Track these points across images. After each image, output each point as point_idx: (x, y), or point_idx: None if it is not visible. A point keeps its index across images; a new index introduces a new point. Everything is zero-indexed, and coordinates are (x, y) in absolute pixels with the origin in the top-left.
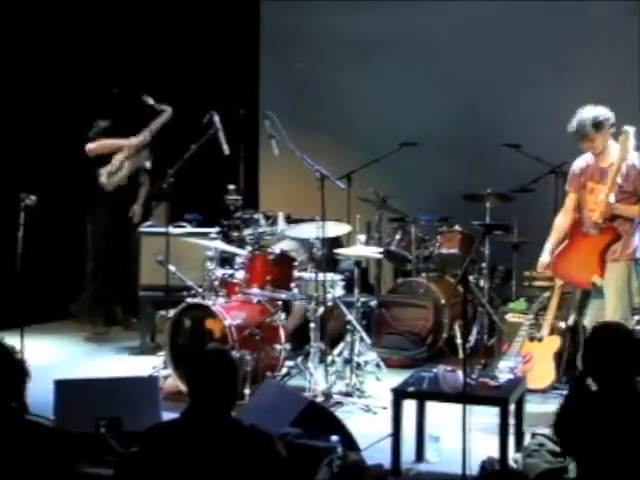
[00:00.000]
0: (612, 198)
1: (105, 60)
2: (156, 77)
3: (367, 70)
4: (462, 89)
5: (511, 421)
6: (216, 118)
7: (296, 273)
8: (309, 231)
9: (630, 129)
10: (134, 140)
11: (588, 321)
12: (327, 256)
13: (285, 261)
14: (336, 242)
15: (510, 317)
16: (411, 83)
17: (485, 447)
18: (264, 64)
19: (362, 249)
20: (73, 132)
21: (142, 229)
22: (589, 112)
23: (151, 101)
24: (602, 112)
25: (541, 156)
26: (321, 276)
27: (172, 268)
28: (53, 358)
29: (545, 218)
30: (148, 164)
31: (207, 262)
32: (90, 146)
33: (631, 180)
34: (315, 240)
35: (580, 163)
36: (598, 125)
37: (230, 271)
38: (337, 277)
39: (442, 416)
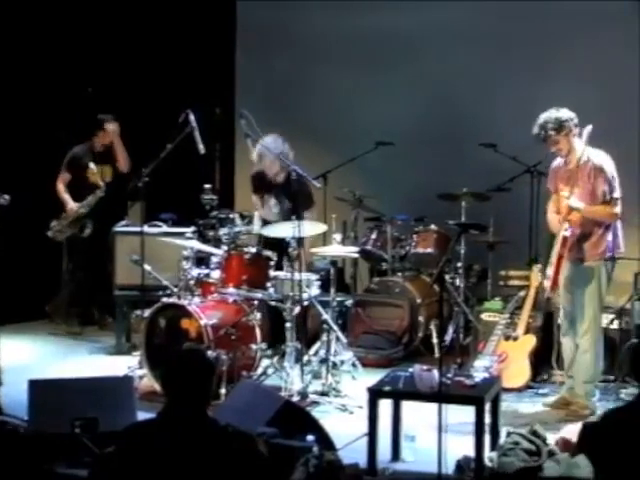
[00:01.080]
0: (574, 200)
1: (80, 58)
2: (131, 75)
3: (343, 69)
4: (438, 88)
5: (487, 420)
6: (192, 117)
7: (272, 272)
8: (285, 230)
9: (588, 127)
10: (75, 207)
11: (561, 318)
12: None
13: (261, 261)
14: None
15: (486, 316)
16: (387, 82)
17: (461, 446)
18: (240, 63)
19: (338, 248)
20: (46, 130)
21: (117, 228)
22: (550, 114)
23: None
24: (564, 114)
25: (517, 155)
26: (297, 275)
27: (147, 268)
28: (27, 358)
29: (521, 217)
30: (87, 232)
31: (183, 262)
32: (58, 186)
33: (591, 181)
34: (291, 239)
35: (555, 164)
36: (560, 127)
37: (206, 271)
38: (313, 276)
39: (418, 415)
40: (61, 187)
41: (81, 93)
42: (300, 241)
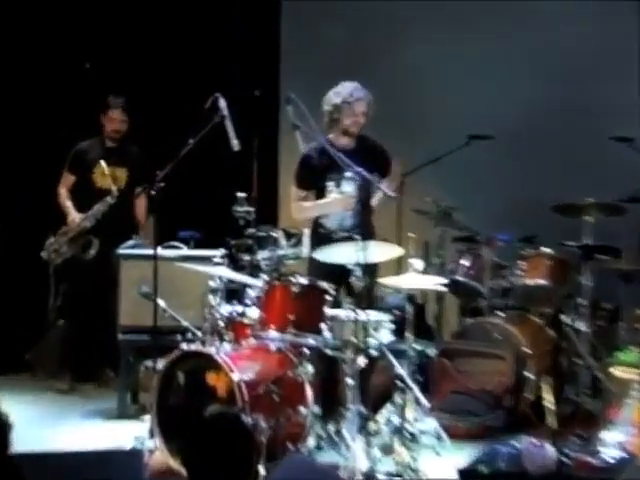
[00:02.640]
0: None
1: (74, 24)
2: (142, 47)
3: (418, 37)
4: (553, 63)
5: None
6: (222, 102)
7: (328, 311)
8: (345, 254)
9: None
10: (77, 218)
11: None
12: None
13: (314, 295)
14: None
15: (618, 372)
16: (482, 54)
17: None
18: (286, 33)
19: (417, 279)
20: (39, 120)
21: (123, 250)
22: None
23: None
24: None
25: None
26: (362, 315)
27: (162, 303)
28: None
29: None
30: (91, 253)
31: (209, 296)
32: (59, 192)
33: None
34: (354, 267)
35: None
36: None
37: (239, 308)
38: (383, 317)
39: None
40: (63, 193)
41: (76, 70)
42: (370, 269)
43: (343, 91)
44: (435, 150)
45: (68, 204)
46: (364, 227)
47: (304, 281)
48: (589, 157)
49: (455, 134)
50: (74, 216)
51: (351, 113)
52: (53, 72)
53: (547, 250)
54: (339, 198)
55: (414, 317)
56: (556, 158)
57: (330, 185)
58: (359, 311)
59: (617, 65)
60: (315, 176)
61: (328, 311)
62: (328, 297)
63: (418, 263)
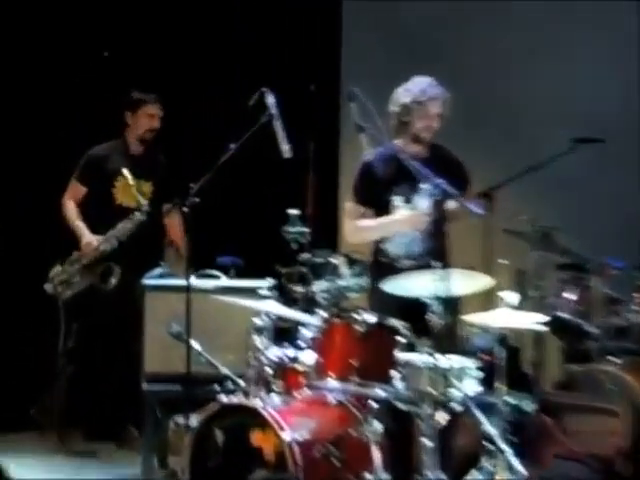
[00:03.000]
0: None
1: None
2: (173, 34)
3: (510, 21)
4: None
5: None
6: (270, 99)
7: (400, 355)
8: (421, 285)
9: None
10: (94, 241)
11: None
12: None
13: (382, 335)
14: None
15: None
16: (592, 40)
17: None
18: (348, 12)
19: (510, 316)
20: (43, 119)
21: (147, 281)
22: None
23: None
24: None
25: None
26: (442, 361)
27: (196, 345)
28: None
29: None
30: (112, 282)
31: (253, 336)
32: (66, 207)
33: None
34: (432, 301)
35: None
36: None
37: (291, 351)
38: (468, 363)
39: None
40: (71, 207)
41: (94, 58)
42: (452, 304)
43: (414, 88)
44: (529, 156)
45: (79, 223)
46: (439, 254)
47: (371, 318)
48: None
49: (553, 137)
50: (89, 239)
51: (424, 115)
52: (63, 60)
53: None
54: (409, 215)
55: (507, 363)
56: None
57: (397, 200)
58: (438, 355)
59: None
60: (378, 189)
61: (400, 355)
62: (400, 338)
63: (511, 296)
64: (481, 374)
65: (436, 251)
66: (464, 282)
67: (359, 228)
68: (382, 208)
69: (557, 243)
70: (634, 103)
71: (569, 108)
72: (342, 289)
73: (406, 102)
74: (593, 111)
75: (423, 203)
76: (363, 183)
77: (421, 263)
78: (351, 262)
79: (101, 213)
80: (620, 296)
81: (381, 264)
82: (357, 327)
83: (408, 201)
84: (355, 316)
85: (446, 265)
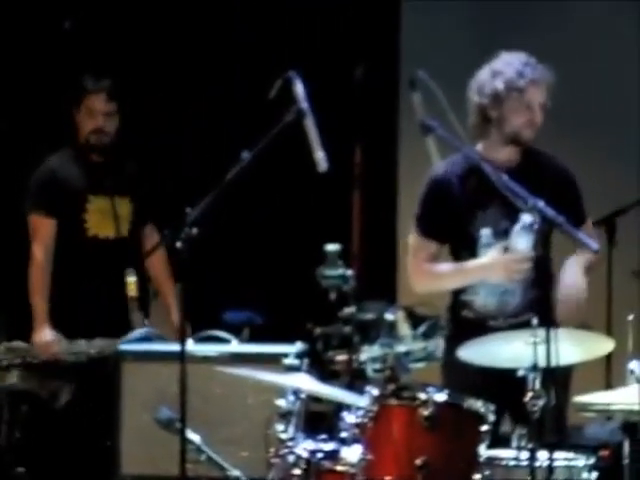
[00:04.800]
0: None
1: None
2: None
3: None
4: None
5: None
6: (299, 88)
7: (484, 451)
8: (513, 353)
9: None
10: (52, 346)
11: None
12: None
13: (459, 422)
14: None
15: None
16: None
17: None
18: None
19: (637, 392)
20: None
21: (124, 346)
22: None
23: None
24: None
25: None
26: (544, 458)
27: (194, 437)
28: None
29: None
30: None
31: (276, 424)
32: (35, 264)
33: None
34: (529, 374)
35: None
36: None
37: (329, 445)
38: (582, 461)
39: None
40: (38, 267)
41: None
42: (559, 379)
43: (507, 69)
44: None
45: (38, 300)
46: (544, 308)
47: (442, 398)
48: None
49: None
50: (45, 338)
51: (523, 106)
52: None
53: None
54: (502, 260)
55: (635, 461)
56: None
57: (485, 233)
58: (539, 452)
59: None
60: (455, 216)
61: (484, 451)
62: (484, 427)
63: None
64: (597, 476)
65: (541, 304)
66: (575, 347)
67: (430, 274)
68: (462, 243)
69: None
70: None
71: None
72: (402, 357)
73: (499, 88)
74: None
75: (522, 239)
76: (432, 208)
77: (520, 321)
78: (415, 319)
79: (68, 250)
80: None
81: (463, 322)
82: (423, 411)
83: (500, 234)
84: (420, 395)
85: (552, 323)
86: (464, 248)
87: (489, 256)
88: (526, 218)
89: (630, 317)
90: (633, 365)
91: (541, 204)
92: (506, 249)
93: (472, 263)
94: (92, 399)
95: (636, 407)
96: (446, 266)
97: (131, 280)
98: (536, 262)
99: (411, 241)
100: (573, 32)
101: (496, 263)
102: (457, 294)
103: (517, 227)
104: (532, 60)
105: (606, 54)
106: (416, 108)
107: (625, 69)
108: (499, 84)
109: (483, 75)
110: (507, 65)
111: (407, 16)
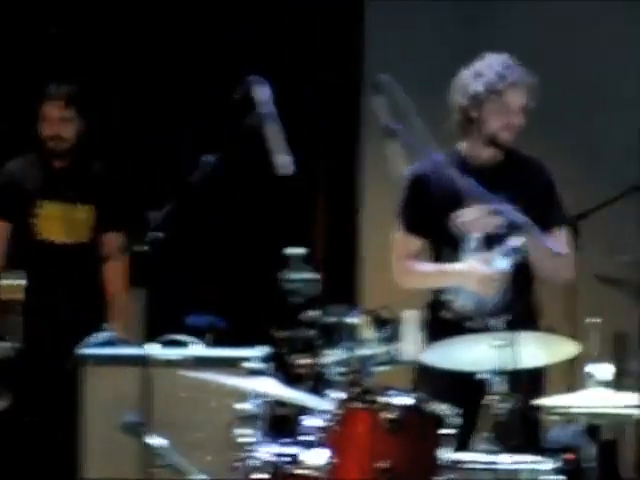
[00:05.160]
0: None
1: None
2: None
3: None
4: None
5: None
6: (261, 92)
7: (447, 454)
8: (478, 356)
9: None
10: None
11: None
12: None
13: (422, 426)
14: None
15: None
16: None
17: None
18: None
19: (604, 397)
20: None
21: (85, 351)
22: None
23: None
24: None
25: None
26: (507, 461)
27: (160, 442)
28: None
29: None
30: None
31: (238, 429)
32: None
33: None
34: (492, 377)
35: None
36: None
37: (292, 449)
38: (545, 464)
39: None
40: None
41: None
42: (523, 382)
43: (488, 71)
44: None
45: None
46: (523, 311)
47: (406, 402)
48: None
49: None
50: None
51: (503, 109)
52: None
53: None
54: (479, 274)
55: (599, 465)
56: None
57: (474, 239)
58: (502, 455)
59: None
60: (436, 213)
61: (447, 455)
62: (447, 430)
63: (605, 370)
64: (563, 479)
65: (520, 307)
66: (539, 350)
67: (411, 272)
68: (443, 239)
69: None
70: None
71: None
72: (365, 361)
73: (477, 91)
74: None
75: (504, 261)
76: (414, 203)
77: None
78: (378, 323)
79: (21, 253)
80: None
81: (440, 322)
82: (386, 415)
83: (489, 243)
84: (383, 399)
85: (534, 324)
86: (445, 244)
87: (468, 264)
88: (512, 242)
89: (594, 320)
90: (592, 368)
91: (505, 208)
92: (487, 261)
93: (451, 267)
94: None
95: (598, 410)
96: (428, 266)
97: (9, 283)
98: (516, 266)
99: (396, 238)
100: (542, 31)
101: (472, 274)
102: (437, 294)
103: (502, 248)
104: (513, 62)
105: (577, 51)
106: (379, 112)
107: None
108: (479, 86)
109: (465, 76)
110: (488, 67)
111: (371, 17)
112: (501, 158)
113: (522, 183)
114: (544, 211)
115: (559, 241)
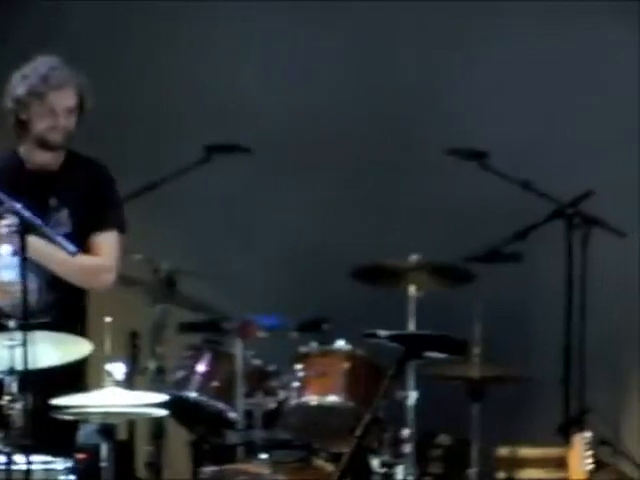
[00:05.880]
0: None
1: None
2: None
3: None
4: (371, 51)
5: None
6: None
7: None
8: None
9: None
10: None
11: None
12: None
13: None
14: None
15: None
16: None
17: None
18: None
19: (116, 396)
20: None
21: None
22: None
23: None
24: None
25: (537, 181)
26: (18, 462)
27: None
28: None
29: (550, 320)
30: None
31: None
32: None
33: None
34: (7, 377)
35: None
36: None
37: None
38: (57, 464)
39: None
40: None
41: None
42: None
43: (32, 74)
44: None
45: None
46: (64, 311)
47: None
48: (414, 185)
49: (187, 145)
50: None
51: (47, 111)
52: None
53: (344, 346)
54: None
55: (114, 464)
56: (365, 189)
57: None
58: (16, 456)
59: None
60: None
61: None
62: None
63: (118, 369)
64: (75, 478)
65: (57, 306)
66: (54, 349)
67: None
68: None
69: (185, 294)
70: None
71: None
72: None
73: (20, 94)
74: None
75: (7, 271)
76: None
77: (36, 322)
78: None
79: None
80: (273, 367)
81: None
82: None
83: None
84: None
85: (73, 329)
86: None
87: None
88: (2, 250)
89: (107, 319)
90: (109, 367)
91: (18, 206)
92: None
93: None
94: None
95: (113, 409)
96: None
97: None
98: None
99: None
100: None
101: None
102: None
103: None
104: (61, 63)
105: None
106: None
107: None
108: (22, 89)
109: (14, 79)
110: (33, 70)
111: None
112: (61, 160)
113: (79, 185)
114: (98, 212)
115: (107, 243)
